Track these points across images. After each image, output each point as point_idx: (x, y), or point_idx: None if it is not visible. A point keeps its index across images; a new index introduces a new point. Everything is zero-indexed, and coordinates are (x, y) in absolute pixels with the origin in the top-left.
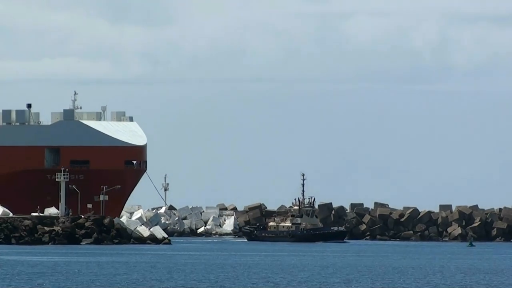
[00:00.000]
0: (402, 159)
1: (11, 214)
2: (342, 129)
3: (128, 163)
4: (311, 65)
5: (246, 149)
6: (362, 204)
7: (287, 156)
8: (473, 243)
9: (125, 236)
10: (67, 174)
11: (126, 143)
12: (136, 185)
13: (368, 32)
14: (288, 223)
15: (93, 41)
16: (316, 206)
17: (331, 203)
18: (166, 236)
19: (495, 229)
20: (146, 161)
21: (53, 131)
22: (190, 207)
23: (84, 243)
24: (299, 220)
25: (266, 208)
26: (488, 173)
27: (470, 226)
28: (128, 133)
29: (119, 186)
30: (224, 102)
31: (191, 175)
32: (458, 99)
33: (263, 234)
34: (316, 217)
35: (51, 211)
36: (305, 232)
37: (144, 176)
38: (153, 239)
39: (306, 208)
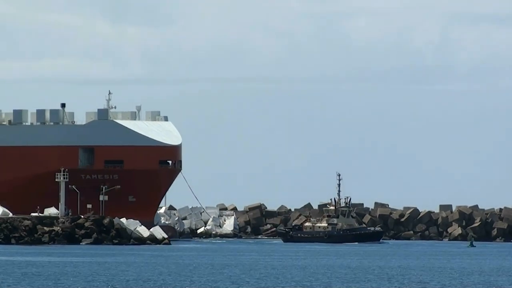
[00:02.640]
0: (403, 159)
1: (11, 214)
2: (341, 129)
3: (162, 163)
4: (311, 64)
5: (246, 149)
6: (362, 204)
7: (287, 156)
8: (474, 243)
9: (125, 236)
10: (66, 174)
11: (160, 142)
12: (171, 185)
13: (369, 32)
14: (324, 224)
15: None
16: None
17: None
18: (166, 236)
19: (495, 229)
20: (181, 161)
21: (87, 130)
22: (190, 207)
23: (84, 243)
24: (335, 221)
25: (266, 208)
26: (488, 173)
27: (470, 226)
28: (162, 132)
29: (119, 187)
30: (222, 101)
31: (191, 175)
32: (459, 99)
33: (299, 235)
34: (353, 217)
35: (50, 211)
36: (341, 232)
37: None
38: (152, 239)
39: (342, 208)
